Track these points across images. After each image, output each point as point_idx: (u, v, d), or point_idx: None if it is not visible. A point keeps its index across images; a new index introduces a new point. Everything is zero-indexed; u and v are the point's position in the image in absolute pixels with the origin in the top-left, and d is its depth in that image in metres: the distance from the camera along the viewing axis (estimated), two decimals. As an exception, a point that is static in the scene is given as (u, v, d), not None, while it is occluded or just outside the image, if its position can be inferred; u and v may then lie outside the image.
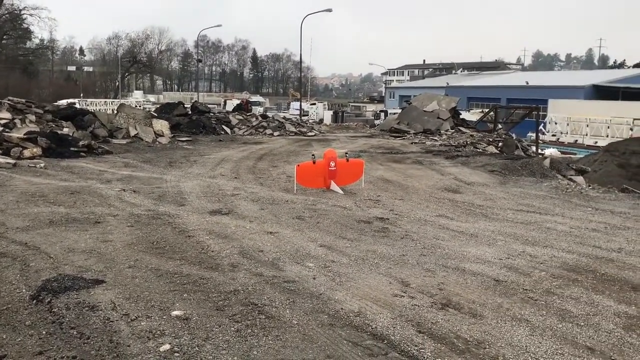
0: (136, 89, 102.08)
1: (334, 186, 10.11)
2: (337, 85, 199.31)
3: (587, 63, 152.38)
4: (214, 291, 4.88)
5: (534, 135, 29.98)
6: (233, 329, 4.15)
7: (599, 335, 4.24)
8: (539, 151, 24.69)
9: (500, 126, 27.90)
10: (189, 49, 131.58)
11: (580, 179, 12.80)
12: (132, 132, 17.72)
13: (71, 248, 6.04)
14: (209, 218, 7.69)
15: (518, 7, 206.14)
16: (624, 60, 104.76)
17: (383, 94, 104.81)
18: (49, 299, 4.59)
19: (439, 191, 10.56)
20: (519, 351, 3.95)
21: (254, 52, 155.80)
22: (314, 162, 10.24)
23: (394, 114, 55.08)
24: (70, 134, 15.34)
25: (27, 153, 12.64)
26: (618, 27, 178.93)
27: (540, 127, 35.98)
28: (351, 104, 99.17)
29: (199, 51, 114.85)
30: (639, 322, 4.51)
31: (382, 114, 54.64)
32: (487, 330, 4.26)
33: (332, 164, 10.10)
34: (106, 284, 4.98)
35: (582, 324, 4.45)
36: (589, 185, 11.73)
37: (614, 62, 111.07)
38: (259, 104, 77.52)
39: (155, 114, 21.32)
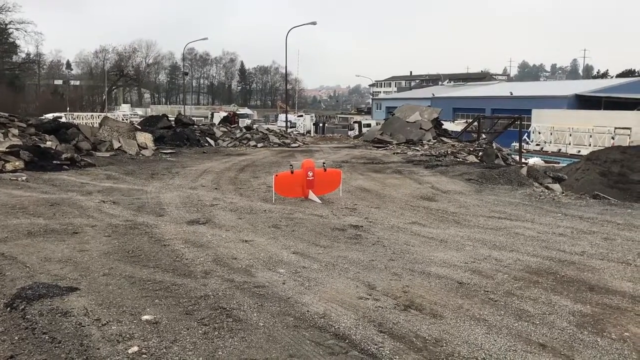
0: (124, 102, 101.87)
1: (312, 195, 10.30)
2: (325, 97, 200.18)
3: (572, 73, 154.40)
4: (184, 297, 5.03)
5: (518, 144, 30.40)
6: (200, 331, 4.30)
7: (552, 333, 4.44)
8: (523, 160, 25.06)
9: (484, 136, 28.27)
10: (176, 62, 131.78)
11: (556, 186, 13.10)
12: (116, 145, 17.84)
13: (48, 258, 6.16)
14: (186, 228, 7.84)
15: (504, 19, 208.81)
16: (607, 70, 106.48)
17: (370, 106, 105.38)
18: (23, 306, 4.71)
19: (415, 199, 10.78)
20: (474, 348, 4.13)
21: (242, 64, 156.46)
22: (292, 172, 10.42)
23: (368, 125, 55.70)
24: (53, 147, 15.43)
25: (9, 166, 12.72)
26: (602, 38, 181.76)
27: (525, 136, 36.50)
28: (339, 115, 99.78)
29: (186, 64, 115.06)
30: (591, 320, 4.72)
31: (356, 125, 55.16)
32: (446, 330, 4.44)
33: (310, 173, 10.29)
34: (80, 291, 5.11)
35: (538, 322, 4.64)
36: (564, 193, 12.01)
37: (598, 72, 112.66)
38: (246, 116, 77.74)
39: (139, 127, 21.46)
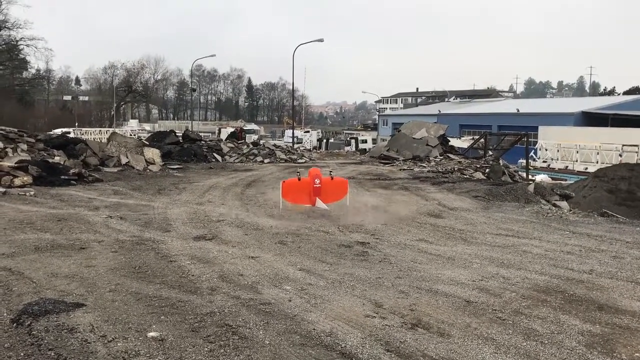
0: (132, 118, 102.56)
1: (319, 203, 10.29)
2: (331, 113, 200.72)
3: (578, 90, 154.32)
4: (190, 313, 5.01)
5: (525, 161, 30.35)
6: (206, 349, 4.28)
7: (561, 353, 4.39)
8: (530, 177, 24.98)
9: (490, 153, 28.25)
10: (184, 78, 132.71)
11: (564, 204, 13.01)
12: (123, 160, 17.93)
13: (54, 273, 6.17)
14: (193, 243, 7.84)
15: (510, 35, 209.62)
16: (614, 87, 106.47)
17: (377, 122, 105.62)
18: (29, 322, 4.71)
19: (422, 216, 10.75)
20: (482, 368, 4.09)
21: (249, 81, 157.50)
22: (299, 179, 10.46)
23: (364, 141, 55.85)
24: (62, 163, 15.52)
25: (17, 181, 12.80)
26: (608, 55, 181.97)
27: (531, 153, 36.41)
28: (345, 131, 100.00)
29: (194, 80, 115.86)
30: (601, 340, 4.67)
31: (353, 141, 55.39)
32: (453, 349, 4.40)
33: (317, 181, 10.31)
34: (86, 307, 5.10)
35: (546, 342, 4.59)
36: (571, 210, 11.94)
37: (604, 89, 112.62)
38: (253, 132, 78.04)
39: (147, 143, 21.57)
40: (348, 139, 59.50)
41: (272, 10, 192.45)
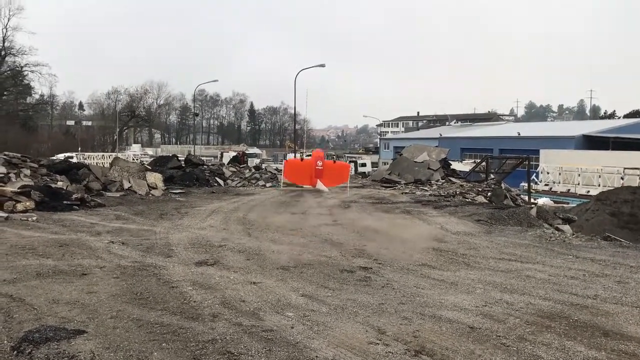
0: (134, 142, 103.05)
1: (320, 185, 10.26)
2: (333, 136, 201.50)
3: (579, 113, 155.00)
4: (192, 340, 4.98)
5: (527, 184, 30.36)
6: (208, 377, 4.24)
7: (566, 380, 4.34)
8: (532, 200, 24.96)
9: (492, 176, 28.27)
10: (187, 103, 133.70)
11: (567, 227, 12.98)
12: (126, 185, 17.96)
13: (56, 299, 6.15)
14: (194, 269, 7.81)
15: (511, 59, 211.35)
16: (614, 111, 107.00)
17: (378, 145, 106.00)
18: (29, 350, 4.68)
19: (425, 240, 10.72)
20: (487, 396, 4.04)
21: (252, 105, 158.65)
22: (301, 159, 10.46)
23: (363, 164, 56.02)
24: (64, 188, 15.55)
25: (20, 207, 12.81)
26: (608, 78, 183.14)
27: (533, 176, 36.45)
28: (347, 155, 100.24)
29: (197, 105, 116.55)
30: (607, 367, 4.62)
31: (352, 165, 55.54)
32: (458, 376, 4.36)
33: (319, 163, 10.28)
34: (87, 334, 5.07)
35: (552, 369, 4.55)
36: (574, 234, 11.91)
37: (605, 113, 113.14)
38: (255, 155, 78.30)
39: (150, 167, 21.63)
40: (347, 162, 59.81)
41: (274, 36, 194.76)
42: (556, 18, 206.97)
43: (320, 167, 9.85)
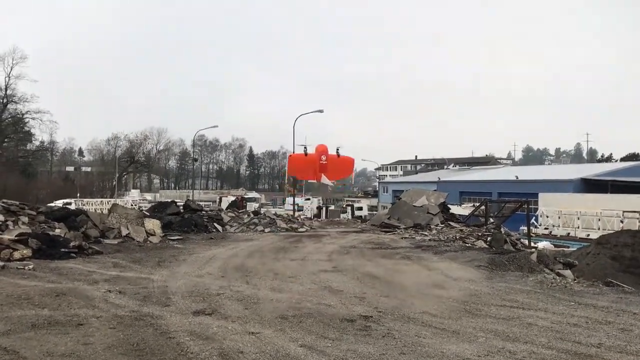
0: (133, 188, 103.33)
1: (324, 179, 10.20)
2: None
3: (576, 156, 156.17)
4: (189, 394, 4.87)
5: (527, 228, 30.28)
6: None
7: None
8: (532, 244, 24.85)
9: (491, 220, 28.22)
10: (186, 148, 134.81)
11: (568, 272, 12.87)
12: (124, 232, 17.88)
13: (50, 352, 6.03)
14: (192, 319, 7.70)
15: (507, 104, 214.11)
16: (611, 154, 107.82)
17: (377, 189, 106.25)
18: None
19: (425, 287, 10.61)
20: None
21: (251, 150, 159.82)
22: (305, 154, 10.37)
23: (359, 208, 56.19)
24: (62, 235, 15.47)
25: (17, 255, 12.72)
26: (604, 122, 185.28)
27: (533, 220, 36.39)
28: (346, 198, 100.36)
29: (196, 150, 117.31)
30: (614, 420, 4.51)
31: (349, 208, 55.73)
32: None
33: (324, 157, 10.23)
34: (81, 389, 4.96)
35: (557, 422, 4.44)
36: (575, 279, 11.81)
37: (602, 156, 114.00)
38: (254, 200, 78.40)
39: (148, 214, 21.61)
40: (344, 206, 60.00)
41: (273, 81, 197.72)
42: (551, 64, 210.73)
43: (324, 162, 9.80)
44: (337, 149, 10.40)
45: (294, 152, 9.88)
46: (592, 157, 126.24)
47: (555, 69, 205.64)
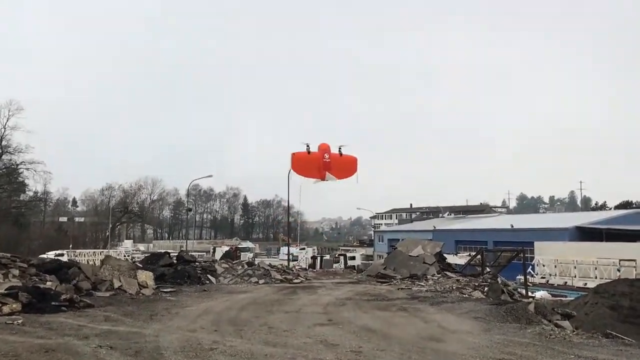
0: (126, 238, 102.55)
1: (329, 176, 10.10)
2: (327, 229, 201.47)
3: (570, 204, 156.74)
4: None
5: (523, 277, 30.06)
6: None
7: None
8: (529, 294, 24.62)
9: (488, 269, 28.03)
10: (181, 198, 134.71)
11: (566, 323, 12.72)
12: (116, 284, 17.64)
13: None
14: (184, 376, 7.50)
15: (501, 152, 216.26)
16: (605, 202, 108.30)
17: (372, 238, 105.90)
18: None
19: (423, 340, 10.43)
20: None
21: (245, 199, 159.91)
22: (308, 152, 10.30)
23: (352, 258, 56.11)
24: (53, 288, 15.23)
25: (6, 309, 12.47)
26: (597, 169, 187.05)
27: (529, 269, 36.17)
28: (341, 247, 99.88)
29: (190, 200, 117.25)
30: None
31: (341, 258, 55.59)
32: None
33: (327, 155, 10.17)
34: None
35: None
36: (574, 331, 11.65)
37: (596, 204, 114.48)
38: (248, 249, 77.82)
39: (141, 265, 21.40)
40: (337, 256, 59.77)
41: (268, 130, 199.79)
42: (542, 113, 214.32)
43: (327, 160, 9.76)
44: (340, 148, 10.44)
45: (296, 152, 9.95)
46: (586, 205, 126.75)
47: (547, 118, 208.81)
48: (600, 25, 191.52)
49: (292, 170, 9.66)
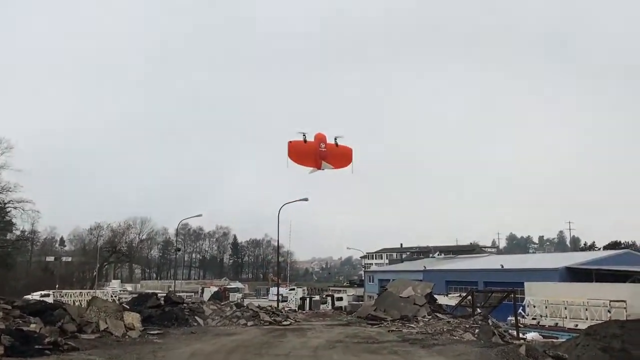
0: (114, 278, 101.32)
1: (325, 165, 10.06)
2: (317, 268, 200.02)
3: (559, 245, 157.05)
4: None
5: (514, 319, 29.88)
6: None
7: None
8: (520, 335, 24.42)
9: (478, 310, 27.86)
10: (169, 237, 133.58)
11: (558, 366, 12.61)
12: (102, 326, 17.31)
13: None
14: (170, 423, 7.32)
15: (490, 192, 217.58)
16: (594, 242, 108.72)
17: (363, 278, 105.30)
18: None
19: (413, 385, 10.28)
20: None
21: (235, 238, 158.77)
22: (305, 141, 10.29)
23: (340, 298, 55.83)
24: (37, 331, 14.91)
25: (-13, 353, 12.19)
26: (585, 209, 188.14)
27: (520, 310, 36.00)
28: (331, 288, 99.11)
29: (179, 239, 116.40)
30: None
31: (329, 299, 55.26)
32: None
33: (323, 145, 10.18)
34: None
35: None
36: (566, 374, 11.54)
37: (585, 244, 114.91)
38: (237, 290, 77.06)
39: (127, 307, 21.08)
40: (324, 296, 59.48)
41: (258, 169, 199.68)
42: (530, 153, 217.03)
43: (323, 149, 9.78)
44: (336, 138, 10.46)
45: (292, 140, 9.98)
46: (576, 245, 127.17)
47: (535, 158, 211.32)
48: (588, 63, 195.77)
49: (288, 159, 9.74)
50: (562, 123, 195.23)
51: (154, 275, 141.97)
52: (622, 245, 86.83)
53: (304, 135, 10.97)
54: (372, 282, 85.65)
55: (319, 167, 10.30)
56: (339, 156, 10.77)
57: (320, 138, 10.52)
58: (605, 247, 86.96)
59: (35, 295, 39.90)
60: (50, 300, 31.66)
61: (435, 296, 28.96)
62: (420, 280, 38.06)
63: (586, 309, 34.46)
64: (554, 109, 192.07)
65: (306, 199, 47.34)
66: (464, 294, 35.35)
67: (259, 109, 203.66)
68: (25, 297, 30.25)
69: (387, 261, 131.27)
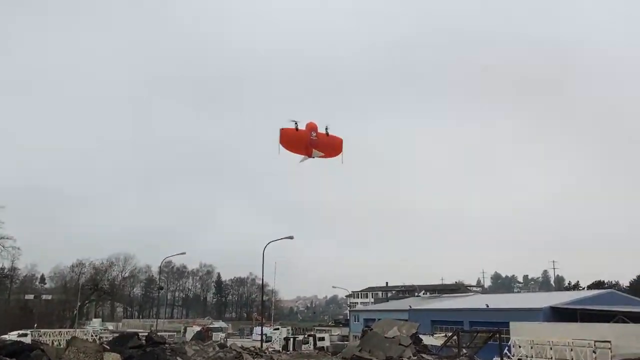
0: (95, 317, 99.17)
1: (316, 153, 10.07)
2: (302, 307, 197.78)
3: (544, 284, 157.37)
4: None
5: (500, 359, 29.73)
6: None
7: None
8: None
9: (464, 351, 27.72)
10: (152, 275, 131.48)
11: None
12: (81, 368, 16.99)
13: None
14: None
15: (475, 232, 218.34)
16: (578, 281, 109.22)
17: (348, 317, 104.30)
18: None
19: None
20: None
21: (219, 276, 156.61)
22: (297, 129, 10.32)
23: (322, 338, 55.16)
24: (13, 373, 14.62)
25: (-39, 396, 11.88)
26: (569, 249, 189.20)
27: (505, 350, 35.80)
28: (316, 327, 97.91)
29: (162, 277, 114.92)
30: None
31: (310, 339, 54.72)
32: None
33: (314, 134, 10.22)
34: None
35: None
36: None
37: (569, 283, 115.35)
38: (220, 329, 75.89)
39: (108, 347, 20.69)
40: (306, 336, 58.83)
41: (242, 208, 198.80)
42: (515, 194, 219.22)
43: (314, 137, 9.81)
44: (326, 128, 10.48)
45: (284, 127, 10.00)
46: (560, 284, 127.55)
47: (519, 198, 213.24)
48: (573, 110, 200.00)
49: (280, 146, 9.81)
50: (546, 165, 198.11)
51: (136, 313, 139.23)
52: (606, 285, 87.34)
53: (295, 123, 11.09)
54: (358, 321, 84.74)
55: (309, 155, 10.41)
56: (330, 145, 10.94)
57: (311, 127, 10.70)
58: (589, 287, 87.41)
59: (13, 335, 38.87)
60: (28, 340, 30.89)
61: (421, 336, 28.80)
62: (406, 320, 37.79)
63: (571, 349, 34.27)
64: (536, 149, 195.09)
65: (291, 237, 47.18)
66: (450, 334, 35.15)
67: (242, 156, 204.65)
68: (1, 337, 29.51)
69: (372, 300, 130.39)
